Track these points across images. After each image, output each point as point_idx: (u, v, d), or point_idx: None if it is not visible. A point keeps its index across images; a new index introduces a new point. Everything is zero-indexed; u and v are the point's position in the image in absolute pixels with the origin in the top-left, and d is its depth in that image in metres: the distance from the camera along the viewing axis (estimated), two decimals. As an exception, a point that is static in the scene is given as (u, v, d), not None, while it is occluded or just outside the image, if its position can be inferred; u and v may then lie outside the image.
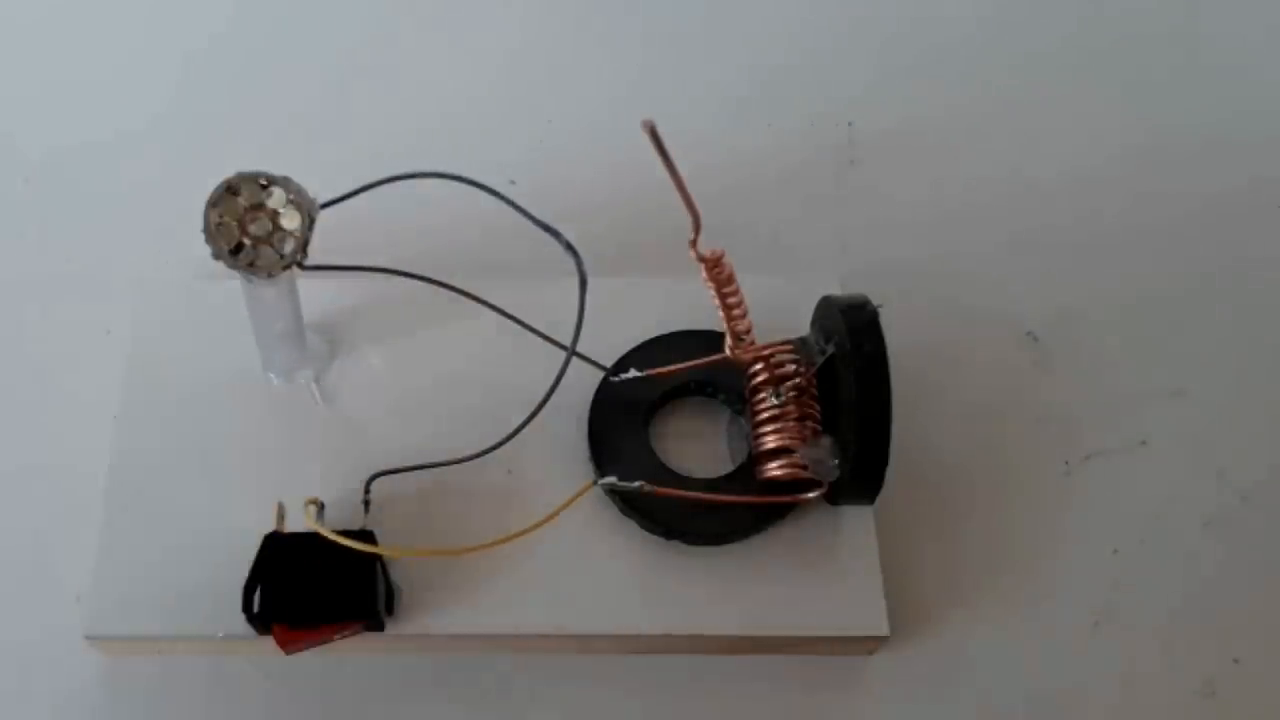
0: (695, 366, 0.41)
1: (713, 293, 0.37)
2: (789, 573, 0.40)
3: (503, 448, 0.39)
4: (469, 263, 0.42)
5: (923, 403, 0.45)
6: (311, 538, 0.37)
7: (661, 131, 0.29)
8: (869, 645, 0.41)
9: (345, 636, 0.38)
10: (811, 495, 0.39)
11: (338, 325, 0.46)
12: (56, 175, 0.52)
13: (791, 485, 0.39)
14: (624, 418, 0.43)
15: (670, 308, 0.44)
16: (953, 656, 0.42)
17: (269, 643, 0.39)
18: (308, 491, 0.40)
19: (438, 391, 0.44)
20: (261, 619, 0.37)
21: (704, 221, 0.33)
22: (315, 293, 0.43)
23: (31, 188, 0.52)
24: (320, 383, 0.44)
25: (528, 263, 0.39)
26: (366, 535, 0.38)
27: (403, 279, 0.40)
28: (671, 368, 0.41)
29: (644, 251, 0.44)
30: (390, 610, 0.39)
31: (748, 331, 0.38)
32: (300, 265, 0.36)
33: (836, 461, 0.39)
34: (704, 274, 0.36)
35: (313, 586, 0.38)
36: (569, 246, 0.35)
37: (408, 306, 0.45)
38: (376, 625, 0.38)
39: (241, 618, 0.37)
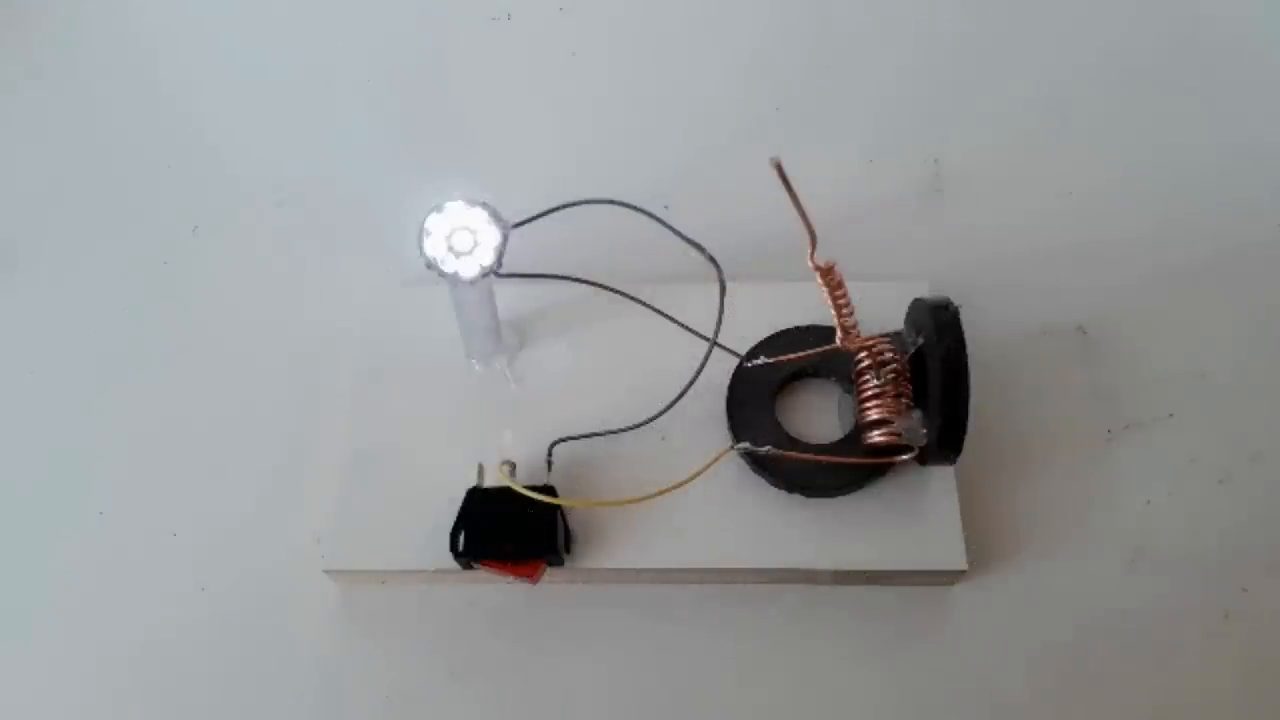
0: (812, 355, 0.42)
1: (826, 295, 0.38)
2: (886, 519, 0.42)
3: (658, 420, 0.42)
4: (631, 271, 0.44)
5: (994, 383, 0.45)
6: (505, 491, 0.41)
7: (785, 165, 0.31)
8: (950, 578, 0.43)
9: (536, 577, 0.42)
10: (905, 458, 0.42)
11: (526, 321, 0.48)
12: (302, 200, 0.56)
13: (889, 449, 0.42)
14: (755, 395, 0.45)
15: (792, 307, 0.46)
16: (1017, 587, 0.43)
17: (471, 575, 0.42)
18: (502, 454, 0.43)
19: (606, 375, 0.46)
20: (465, 556, 0.41)
21: (819, 238, 0.35)
22: (508, 295, 0.46)
23: (283, 210, 0.56)
24: (512, 367, 0.47)
25: (678, 271, 0.41)
26: (549, 489, 0.41)
27: (578, 284, 0.42)
28: (793, 355, 0.42)
29: (771, 262, 0.44)
30: (569, 549, 0.42)
31: (854, 326, 0.40)
32: (496, 273, 0.39)
33: (925, 430, 0.41)
34: (819, 280, 0.38)
35: (506, 530, 0.41)
36: (711, 259, 0.38)
37: (583, 306, 0.47)
38: (557, 561, 0.42)
39: (449, 555, 0.41)
